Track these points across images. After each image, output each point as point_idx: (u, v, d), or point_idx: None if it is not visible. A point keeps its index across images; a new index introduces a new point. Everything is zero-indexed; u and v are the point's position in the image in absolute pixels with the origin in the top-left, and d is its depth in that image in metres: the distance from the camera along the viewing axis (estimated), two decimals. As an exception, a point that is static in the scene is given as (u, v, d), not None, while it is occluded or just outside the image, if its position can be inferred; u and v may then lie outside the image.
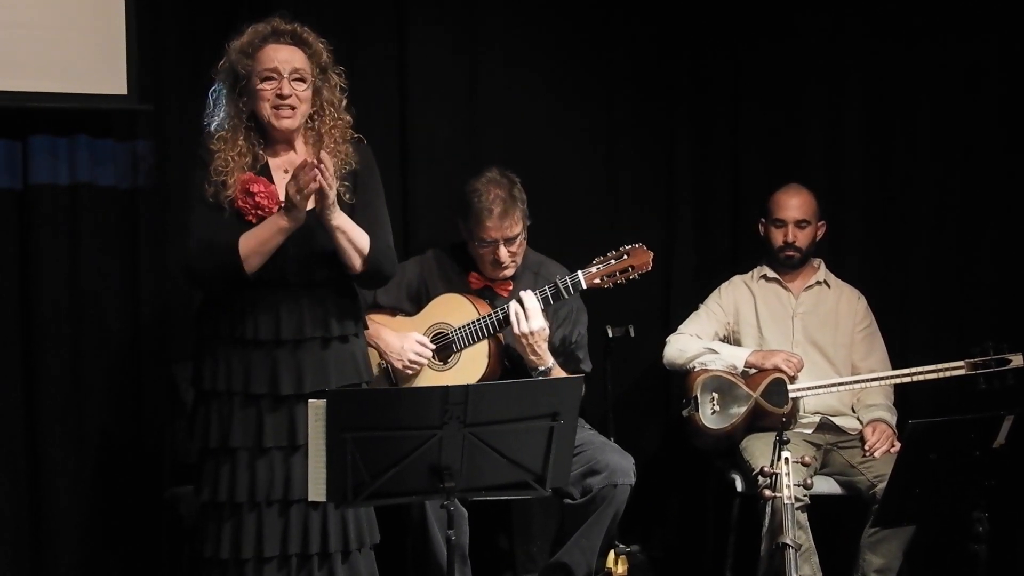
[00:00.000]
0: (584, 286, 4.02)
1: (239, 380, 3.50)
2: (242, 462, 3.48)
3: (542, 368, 4.05)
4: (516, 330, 3.98)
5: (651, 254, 4.02)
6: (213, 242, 3.45)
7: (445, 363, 4.12)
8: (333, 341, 3.56)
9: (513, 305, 3.99)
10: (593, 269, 4.02)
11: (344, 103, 3.59)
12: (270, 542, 3.48)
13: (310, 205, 3.48)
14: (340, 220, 3.47)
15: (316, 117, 3.58)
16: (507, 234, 4.13)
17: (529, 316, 3.98)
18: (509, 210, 4.12)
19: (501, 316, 4.04)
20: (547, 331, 4.03)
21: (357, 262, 3.54)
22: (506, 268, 4.18)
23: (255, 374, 3.49)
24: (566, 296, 4.03)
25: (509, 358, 4.18)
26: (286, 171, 3.55)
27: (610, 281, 4.02)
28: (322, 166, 3.36)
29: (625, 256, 4.02)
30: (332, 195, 3.41)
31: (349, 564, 3.57)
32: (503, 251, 4.14)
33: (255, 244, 3.43)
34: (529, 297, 3.99)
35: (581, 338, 4.31)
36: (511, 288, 4.22)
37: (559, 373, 4.13)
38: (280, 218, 3.42)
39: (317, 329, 3.53)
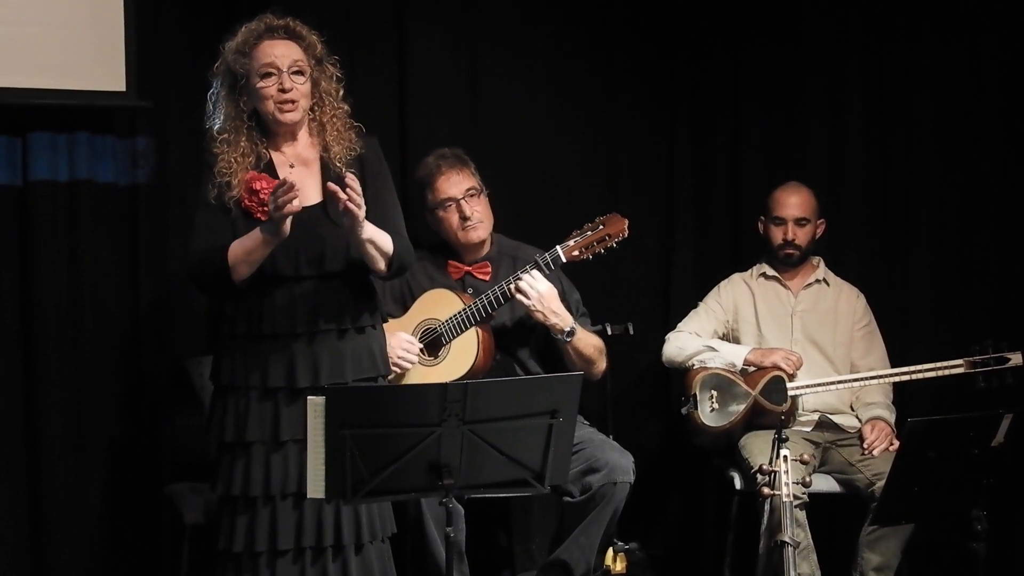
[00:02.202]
0: (564, 260, 4.04)
1: (256, 374, 3.51)
2: (257, 456, 3.49)
3: (567, 329, 4.08)
4: (527, 302, 4.01)
5: (626, 221, 4.03)
6: (208, 250, 3.48)
7: (436, 357, 4.12)
8: (349, 332, 3.57)
9: (516, 284, 4.01)
10: (571, 242, 4.04)
11: (341, 92, 3.60)
12: (284, 535, 3.49)
13: (316, 199, 3.52)
14: (369, 232, 3.49)
15: (317, 108, 3.59)
16: (463, 187, 4.20)
17: (533, 284, 4.01)
18: (457, 165, 4.23)
19: (487, 301, 4.05)
20: (555, 290, 4.07)
21: (382, 265, 3.57)
22: (476, 227, 4.21)
23: (272, 368, 3.50)
24: (547, 272, 4.05)
25: (504, 351, 4.20)
26: (292, 166, 3.58)
27: (589, 252, 4.03)
28: (349, 190, 3.37)
29: (601, 226, 4.03)
30: (361, 214, 3.42)
31: (362, 556, 3.57)
32: (466, 205, 4.19)
33: (242, 254, 3.45)
34: (526, 273, 4.03)
35: (580, 305, 4.33)
36: (490, 271, 4.25)
37: (585, 332, 4.17)
38: (261, 231, 3.43)
39: (332, 321, 3.54)
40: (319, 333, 3.52)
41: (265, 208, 3.46)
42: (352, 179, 3.40)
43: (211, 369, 3.62)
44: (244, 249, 3.45)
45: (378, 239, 3.52)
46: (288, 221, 3.37)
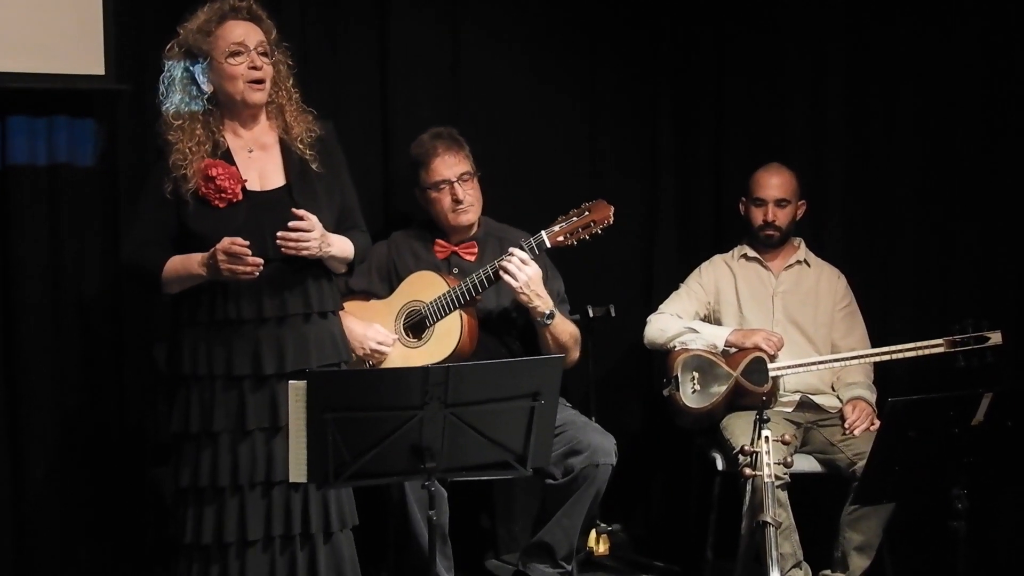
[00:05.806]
0: (548, 245, 4.04)
1: (221, 362, 3.49)
2: (224, 446, 3.48)
3: (547, 312, 4.09)
4: (515, 283, 4.01)
5: (611, 208, 4.02)
6: (144, 256, 3.52)
7: (419, 339, 4.13)
8: (314, 316, 3.58)
9: (507, 261, 4.01)
10: (556, 228, 4.04)
11: (291, 79, 3.63)
12: (253, 524, 3.48)
13: (280, 182, 3.56)
14: (334, 249, 3.55)
15: (274, 91, 3.60)
16: (457, 170, 4.23)
17: (521, 266, 4.01)
18: (452, 147, 4.26)
19: (470, 285, 4.05)
20: (540, 273, 4.07)
21: (343, 269, 3.66)
22: (466, 211, 4.25)
23: (237, 355, 3.49)
24: (532, 256, 4.04)
25: (489, 334, 4.20)
26: (251, 150, 3.58)
27: (573, 238, 4.03)
28: (297, 238, 3.46)
29: (586, 212, 4.03)
30: (326, 251, 3.51)
31: (331, 545, 3.57)
32: (459, 189, 4.22)
33: (174, 276, 3.49)
34: (517, 250, 4.02)
35: (561, 293, 4.35)
36: (476, 252, 4.27)
37: (563, 319, 4.18)
38: (200, 269, 3.45)
39: (299, 305, 3.54)
40: (287, 318, 3.52)
41: (223, 195, 3.46)
42: (303, 215, 3.45)
43: (167, 356, 3.60)
44: (178, 275, 3.49)
45: (339, 252, 3.58)
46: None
